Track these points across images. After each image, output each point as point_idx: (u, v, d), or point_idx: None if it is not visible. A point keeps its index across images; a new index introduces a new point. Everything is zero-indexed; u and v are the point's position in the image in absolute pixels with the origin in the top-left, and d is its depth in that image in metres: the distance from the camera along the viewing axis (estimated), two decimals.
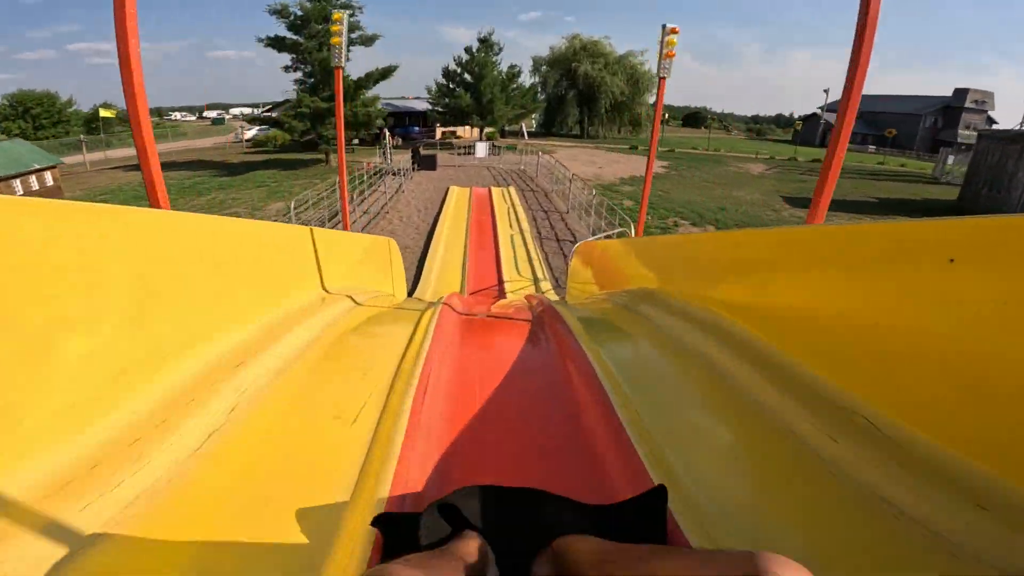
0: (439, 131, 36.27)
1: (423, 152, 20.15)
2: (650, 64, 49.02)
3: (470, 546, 0.76)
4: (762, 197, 19.48)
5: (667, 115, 51.89)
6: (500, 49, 31.73)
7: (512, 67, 33.28)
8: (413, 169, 18.84)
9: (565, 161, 17.84)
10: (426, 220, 12.11)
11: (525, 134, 38.42)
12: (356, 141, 30.00)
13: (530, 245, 10.08)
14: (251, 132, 34.09)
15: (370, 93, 23.67)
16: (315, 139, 21.88)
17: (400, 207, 13.46)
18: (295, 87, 21.86)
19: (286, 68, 22.02)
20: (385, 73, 22.77)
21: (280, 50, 21.48)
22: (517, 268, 8.85)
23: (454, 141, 26.30)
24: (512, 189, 15.77)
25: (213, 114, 73.64)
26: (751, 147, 47.46)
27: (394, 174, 17.21)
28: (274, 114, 23.80)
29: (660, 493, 0.85)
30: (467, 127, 36.55)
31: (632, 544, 0.70)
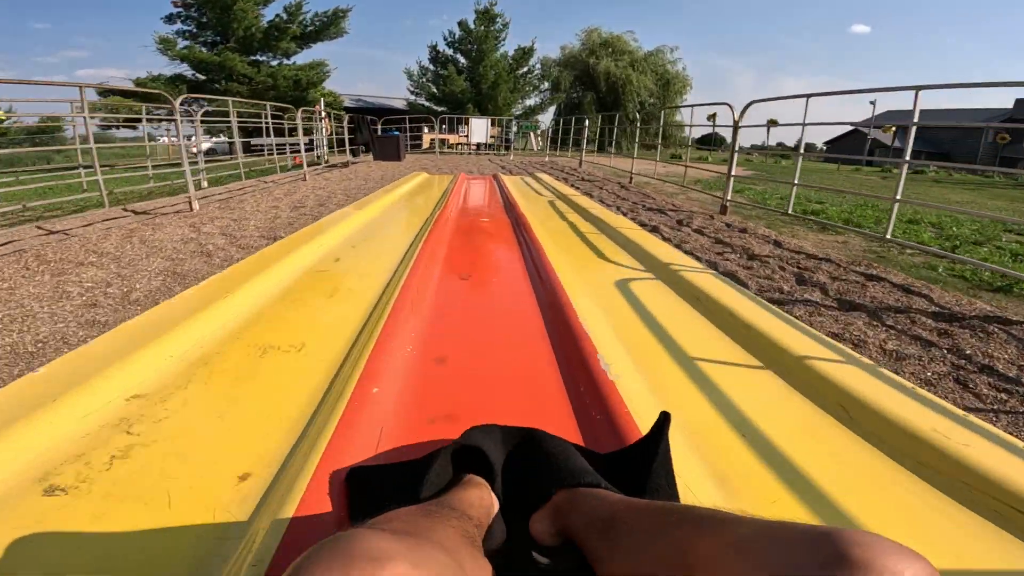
0: (427, 137, 28.18)
1: (381, 134, 11.81)
2: (682, 63, 41.78)
3: (472, 495, 0.64)
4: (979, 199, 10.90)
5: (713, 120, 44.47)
6: (505, 25, 23.96)
7: (521, 48, 25.37)
8: (353, 155, 10.43)
9: (605, 164, 9.59)
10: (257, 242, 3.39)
11: (535, 146, 30.96)
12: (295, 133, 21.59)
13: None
14: (207, 144, 26.54)
15: (307, 58, 15.51)
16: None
17: (248, 208, 4.84)
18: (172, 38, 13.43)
19: (169, 18, 13.90)
20: (332, 21, 14.54)
21: None
22: None
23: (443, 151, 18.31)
24: (543, 175, 7.31)
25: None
26: (812, 164, 39.68)
27: (331, 166, 8.87)
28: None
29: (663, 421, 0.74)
30: (463, 134, 28.52)
31: (645, 501, 0.59)
